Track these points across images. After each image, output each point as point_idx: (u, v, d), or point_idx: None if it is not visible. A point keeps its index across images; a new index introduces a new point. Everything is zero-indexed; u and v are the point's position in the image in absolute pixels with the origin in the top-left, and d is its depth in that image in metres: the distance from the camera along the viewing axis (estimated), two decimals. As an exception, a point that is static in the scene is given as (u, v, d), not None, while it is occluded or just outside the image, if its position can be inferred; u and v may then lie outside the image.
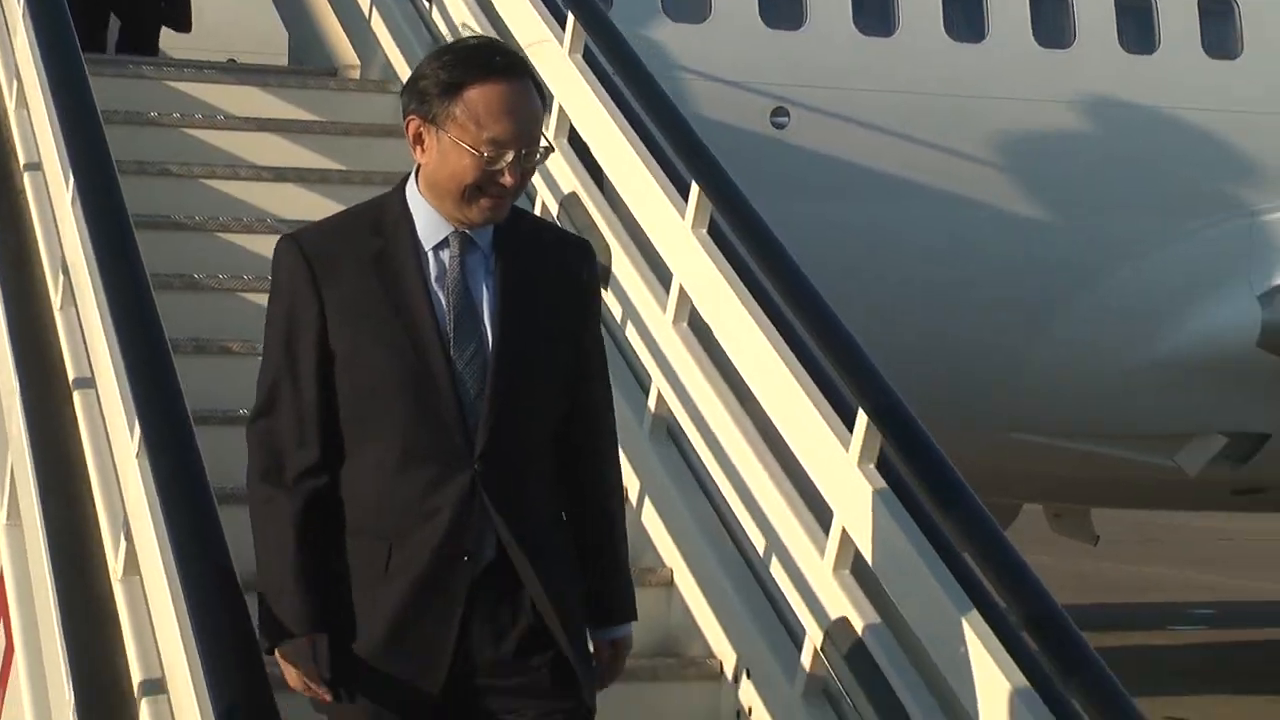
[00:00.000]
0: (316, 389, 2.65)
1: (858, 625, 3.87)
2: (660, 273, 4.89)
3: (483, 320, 2.74)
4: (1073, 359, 9.32)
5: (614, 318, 5.08)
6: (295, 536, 2.65)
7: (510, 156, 2.69)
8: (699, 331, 4.66)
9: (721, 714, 4.19)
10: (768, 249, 4.39)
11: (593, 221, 5.11)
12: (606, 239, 5.02)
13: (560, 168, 5.11)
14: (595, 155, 5.10)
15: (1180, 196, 9.40)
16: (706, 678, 4.18)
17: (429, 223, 2.76)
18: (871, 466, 3.88)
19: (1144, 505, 13.00)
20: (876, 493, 3.83)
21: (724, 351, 4.53)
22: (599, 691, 2.94)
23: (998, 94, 9.04)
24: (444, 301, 2.74)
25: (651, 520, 4.44)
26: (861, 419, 3.87)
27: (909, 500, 3.82)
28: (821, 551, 4.02)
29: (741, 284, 4.41)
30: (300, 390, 2.66)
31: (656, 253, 4.90)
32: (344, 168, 5.46)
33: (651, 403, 4.70)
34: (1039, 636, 3.43)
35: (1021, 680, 3.39)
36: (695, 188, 4.58)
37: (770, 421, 4.37)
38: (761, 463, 4.33)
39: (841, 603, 3.94)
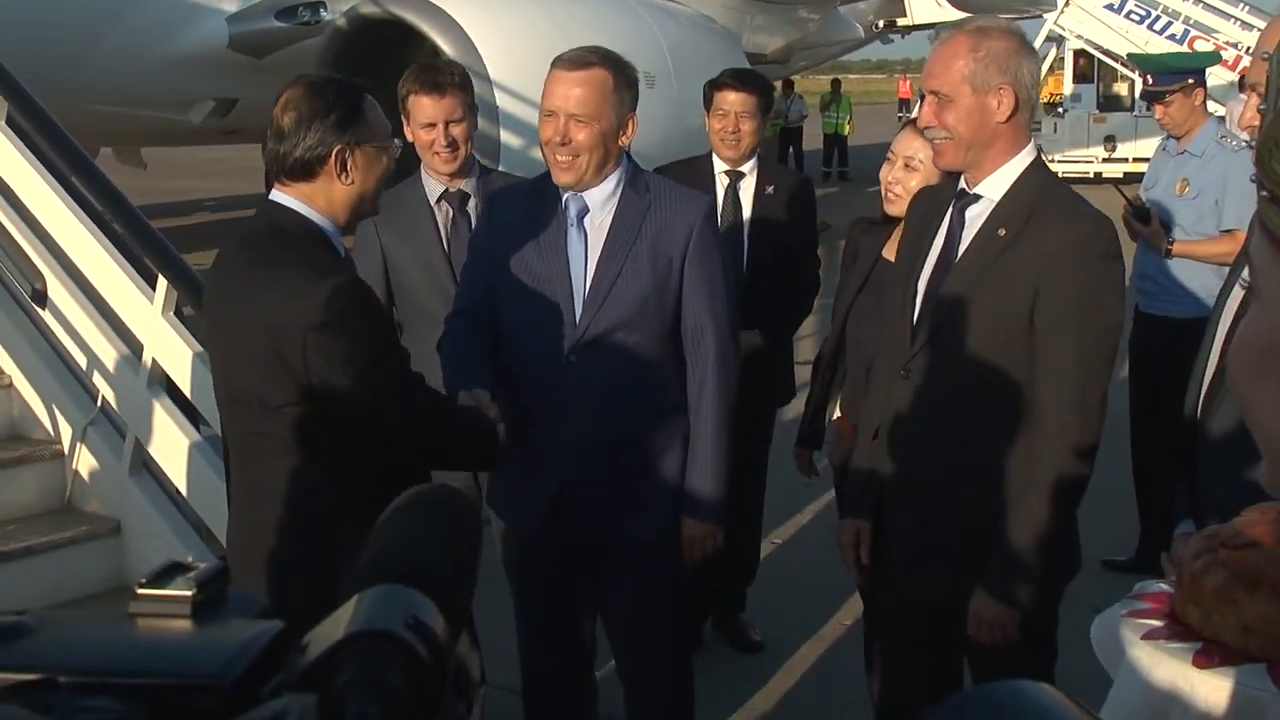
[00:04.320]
0: None
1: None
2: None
3: None
4: (124, 58, 11.55)
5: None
6: None
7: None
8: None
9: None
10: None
11: None
12: None
13: None
14: None
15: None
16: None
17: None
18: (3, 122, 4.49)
19: (171, 143, 15.20)
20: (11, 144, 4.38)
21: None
22: None
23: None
24: None
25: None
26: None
27: (32, 146, 4.40)
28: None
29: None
30: None
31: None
32: None
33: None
34: (127, 228, 4.01)
35: (109, 245, 4.06)
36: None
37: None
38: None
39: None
